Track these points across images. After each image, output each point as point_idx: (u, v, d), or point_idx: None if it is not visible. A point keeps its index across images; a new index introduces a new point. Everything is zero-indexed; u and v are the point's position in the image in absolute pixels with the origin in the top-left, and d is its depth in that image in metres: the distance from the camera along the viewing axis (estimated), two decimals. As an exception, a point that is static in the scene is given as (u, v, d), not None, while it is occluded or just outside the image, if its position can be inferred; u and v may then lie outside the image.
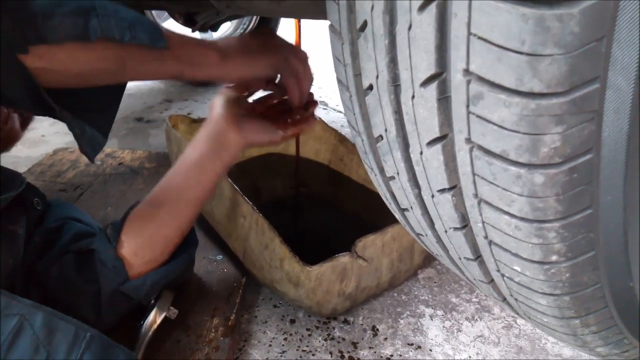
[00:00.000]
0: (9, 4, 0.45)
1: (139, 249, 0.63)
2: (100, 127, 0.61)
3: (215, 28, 1.93)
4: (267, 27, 0.58)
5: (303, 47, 0.77)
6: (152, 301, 0.71)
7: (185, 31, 1.92)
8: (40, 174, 1.17)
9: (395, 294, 0.93)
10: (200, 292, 0.82)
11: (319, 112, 1.86)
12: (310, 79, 0.73)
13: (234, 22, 2.03)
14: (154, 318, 0.70)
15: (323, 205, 1.18)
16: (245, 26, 2.03)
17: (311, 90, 0.78)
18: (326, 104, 1.98)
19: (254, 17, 1.99)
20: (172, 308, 0.72)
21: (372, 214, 0.99)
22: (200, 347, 0.71)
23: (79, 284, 0.61)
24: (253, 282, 0.90)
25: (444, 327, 0.85)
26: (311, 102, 0.77)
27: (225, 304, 0.80)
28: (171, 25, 1.99)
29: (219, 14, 1.68)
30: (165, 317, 0.71)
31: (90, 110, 0.60)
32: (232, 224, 0.84)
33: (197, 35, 2.00)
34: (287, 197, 1.22)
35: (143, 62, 0.56)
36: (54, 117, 0.55)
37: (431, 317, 0.87)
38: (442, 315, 0.88)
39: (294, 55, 0.69)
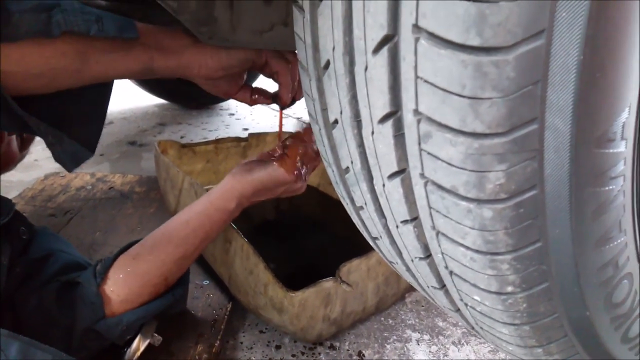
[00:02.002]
0: None
1: (116, 286, 0.62)
2: (84, 140, 0.59)
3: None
4: None
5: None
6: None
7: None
8: (31, 199, 1.18)
9: (382, 318, 0.93)
10: (185, 317, 0.82)
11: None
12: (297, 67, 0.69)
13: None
14: (138, 345, 0.70)
15: (313, 227, 1.19)
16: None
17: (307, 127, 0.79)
18: (319, 127, 1.99)
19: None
20: (156, 335, 0.72)
21: (361, 235, 1.00)
22: (183, 374, 0.70)
23: (55, 314, 0.60)
24: (239, 308, 0.90)
25: (430, 351, 0.85)
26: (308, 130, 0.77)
27: (210, 329, 0.80)
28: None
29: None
30: (149, 343, 0.71)
31: (74, 123, 0.58)
32: (218, 249, 0.85)
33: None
34: (277, 219, 1.23)
35: (107, 54, 0.53)
36: (29, 132, 0.53)
37: (418, 341, 0.87)
38: (429, 339, 0.88)
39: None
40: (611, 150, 0.28)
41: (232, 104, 2.25)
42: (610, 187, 0.29)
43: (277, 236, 1.18)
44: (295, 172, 0.72)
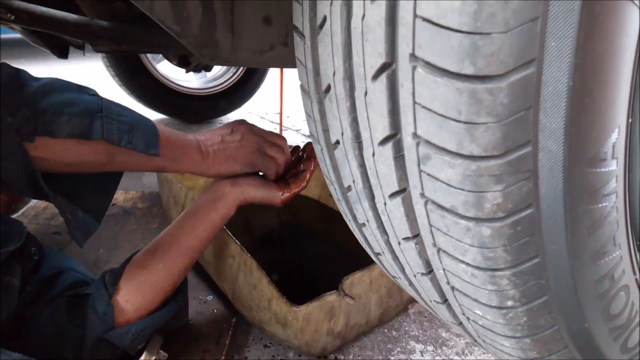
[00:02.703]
0: (27, 98, 0.52)
1: (130, 295, 0.64)
2: (93, 212, 0.63)
3: (208, 69, 1.99)
4: (244, 120, 0.66)
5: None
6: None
7: (179, 71, 1.98)
8: (34, 217, 1.19)
9: (386, 330, 0.93)
10: (190, 333, 0.83)
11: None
12: (288, 161, 0.79)
13: (227, 62, 2.09)
14: (144, 362, 0.71)
15: (314, 239, 1.19)
16: (235, 68, 2.10)
17: (308, 145, 0.83)
18: (318, 139, 2.01)
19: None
20: (161, 352, 0.73)
21: (362, 248, 1.01)
22: (189, 390, 0.71)
23: (66, 326, 0.61)
24: (243, 322, 0.90)
25: (434, 362, 0.85)
26: (307, 161, 0.81)
27: (215, 345, 0.81)
28: (165, 65, 2.06)
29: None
30: (155, 360, 0.71)
31: (85, 195, 0.62)
32: (221, 264, 0.86)
33: (190, 75, 2.06)
34: (280, 231, 1.24)
35: (131, 158, 0.61)
36: (48, 201, 0.58)
37: (422, 352, 0.87)
38: (433, 350, 0.88)
39: (271, 146, 0.76)
40: (603, 169, 0.29)
41: (231, 118, 2.27)
42: (604, 204, 0.30)
43: (278, 248, 1.19)
44: (285, 199, 0.78)
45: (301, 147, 0.86)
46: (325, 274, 1.03)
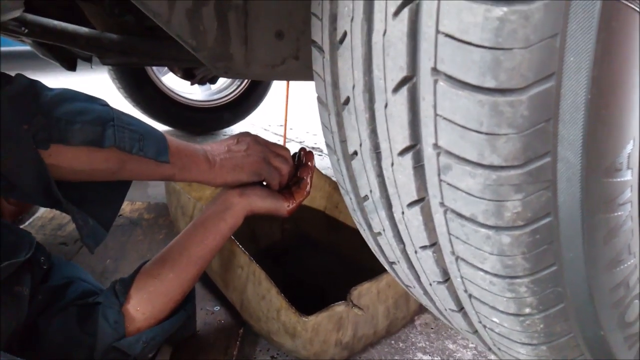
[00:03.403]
0: (42, 107, 0.53)
1: (141, 304, 0.65)
2: (102, 220, 0.64)
3: (213, 81, 2.02)
4: (248, 132, 0.68)
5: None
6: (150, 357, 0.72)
7: (184, 84, 2.00)
8: (40, 227, 1.19)
9: (393, 342, 0.93)
10: (198, 344, 0.83)
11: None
12: (291, 173, 0.81)
13: (231, 75, 2.11)
14: (153, 372, 0.71)
15: (320, 250, 1.20)
16: (240, 81, 2.12)
17: (309, 151, 0.84)
18: (321, 150, 2.03)
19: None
20: (170, 362, 0.73)
21: (368, 258, 1.01)
22: (199, 401, 0.71)
23: (77, 335, 0.61)
24: (251, 333, 0.90)
25: (441, 374, 0.85)
26: (304, 167, 0.83)
27: (223, 356, 0.81)
28: (170, 78, 2.08)
29: (217, 69, 1.74)
30: (164, 371, 0.72)
31: (94, 203, 0.63)
32: (230, 275, 0.86)
33: (195, 87, 2.08)
34: (285, 242, 1.24)
35: (141, 166, 0.62)
36: (60, 210, 0.59)
37: (429, 364, 0.87)
38: (440, 362, 0.88)
39: (275, 156, 0.77)
40: (619, 179, 0.30)
41: (235, 130, 2.29)
42: (619, 213, 0.31)
43: (284, 259, 1.20)
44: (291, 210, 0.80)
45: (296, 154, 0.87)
46: (330, 286, 1.04)
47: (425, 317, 1.00)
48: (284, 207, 0.79)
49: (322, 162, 1.88)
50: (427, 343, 0.93)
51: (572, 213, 0.30)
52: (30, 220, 1.24)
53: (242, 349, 0.86)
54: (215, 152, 0.73)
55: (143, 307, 0.65)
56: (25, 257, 0.59)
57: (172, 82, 2.07)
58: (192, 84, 1.89)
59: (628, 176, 0.30)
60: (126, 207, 1.30)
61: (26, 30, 0.98)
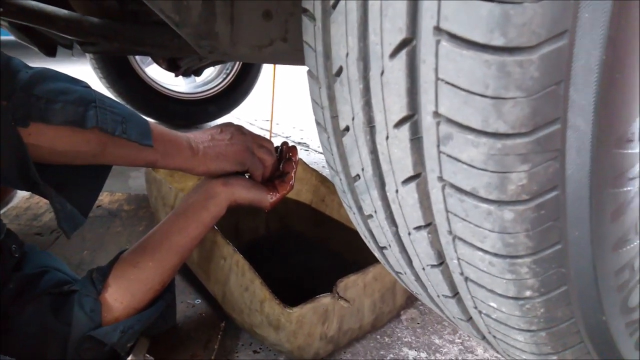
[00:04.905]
0: (22, 84, 0.51)
1: (119, 293, 0.63)
2: (80, 206, 0.62)
3: (198, 73, 1.98)
4: (232, 123, 0.67)
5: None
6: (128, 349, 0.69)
7: (169, 75, 1.96)
8: (15, 217, 1.14)
9: (378, 336, 0.91)
10: (177, 337, 0.80)
11: (300, 153, 1.88)
12: (275, 166, 0.80)
13: (217, 67, 2.08)
14: (129, 366, 0.68)
15: (305, 245, 1.17)
16: (227, 71, 2.08)
17: (292, 145, 0.84)
18: (307, 146, 2.00)
19: (237, 63, 2.05)
20: (147, 356, 0.70)
21: (355, 253, 0.99)
22: (177, 396, 0.68)
23: (51, 324, 0.59)
24: (232, 327, 0.87)
25: (427, 369, 0.83)
26: (288, 162, 0.82)
27: (203, 350, 0.78)
28: (154, 69, 2.03)
29: (202, 60, 1.71)
30: (141, 364, 0.68)
31: (73, 188, 0.61)
32: (212, 266, 0.83)
33: (180, 79, 2.04)
34: (269, 236, 1.21)
35: (122, 149, 0.60)
36: (37, 193, 0.56)
37: (414, 359, 0.86)
38: (426, 357, 0.86)
39: (259, 147, 0.76)
40: (630, 151, 0.28)
41: (219, 123, 2.25)
42: (629, 189, 0.29)
43: (268, 253, 1.17)
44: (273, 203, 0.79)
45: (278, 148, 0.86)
46: (315, 281, 1.01)
47: (412, 312, 0.98)
48: (267, 199, 0.77)
49: (308, 158, 1.86)
50: (413, 338, 0.91)
51: (580, 186, 0.28)
52: (4, 209, 1.19)
53: (223, 342, 0.83)
54: (199, 139, 0.71)
55: (121, 296, 0.63)
56: None
57: (156, 74, 2.03)
58: (177, 75, 1.85)
59: (639, 148, 0.29)
60: (105, 198, 1.26)
61: (1, 10, 0.93)
